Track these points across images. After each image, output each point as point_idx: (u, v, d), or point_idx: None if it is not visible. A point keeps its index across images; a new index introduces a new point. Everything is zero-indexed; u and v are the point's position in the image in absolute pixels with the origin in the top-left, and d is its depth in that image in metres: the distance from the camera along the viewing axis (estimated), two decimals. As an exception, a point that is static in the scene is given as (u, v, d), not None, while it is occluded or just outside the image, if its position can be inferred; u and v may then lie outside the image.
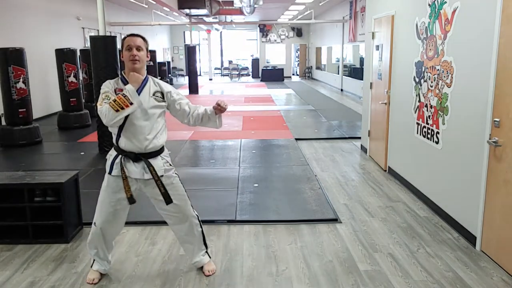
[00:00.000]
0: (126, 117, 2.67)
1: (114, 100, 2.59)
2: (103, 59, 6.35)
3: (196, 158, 6.58)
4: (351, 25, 15.28)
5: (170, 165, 2.90)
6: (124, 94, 2.60)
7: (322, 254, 3.40)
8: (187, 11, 15.82)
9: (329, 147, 7.08)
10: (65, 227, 3.62)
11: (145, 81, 2.77)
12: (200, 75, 23.29)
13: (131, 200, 2.77)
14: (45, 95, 10.49)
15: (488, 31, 3.24)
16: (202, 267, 3.13)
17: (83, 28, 13.11)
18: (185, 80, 21.95)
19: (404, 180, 5.02)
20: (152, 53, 16.23)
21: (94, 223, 2.93)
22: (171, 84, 19.46)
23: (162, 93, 2.82)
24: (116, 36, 6.73)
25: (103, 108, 2.61)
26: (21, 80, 7.23)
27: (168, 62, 20.89)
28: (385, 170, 5.63)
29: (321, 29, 21.59)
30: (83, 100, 9.53)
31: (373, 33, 6.17)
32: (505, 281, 2.97)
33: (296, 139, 7.66)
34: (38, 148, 7.25)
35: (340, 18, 16.96)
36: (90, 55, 6.60)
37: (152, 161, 2.78)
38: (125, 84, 2.70)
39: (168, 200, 2.82)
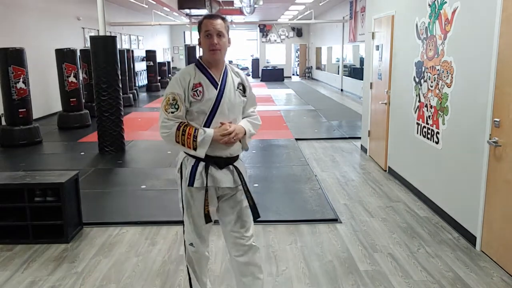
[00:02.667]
0: (213, 117, 2.25)
1: (183, 132, 2.18)
2: (103, 59, 6.35)
3: (196, 158, 6.56)
4: (351, 25, 15.28)
5: None
6: (195, 135, 2.18)
7: (322, 254, 3.40)
8: (187, 11, 15.84)
9: (329, 147, 7.08)
10: (65, 227, 3.62)
11: (225, 73, 2.33)
12: (200, 75, 23.24)
13: (208, 218, 2.30)
14: (45, 95, 10.48)
15: (488, 31, 3.24)
16: None
17: (83, 28, 13.10)
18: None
19: (404, 180, 5.02)
20: (152, 53, 16.22)
21: (191, 244, 2.45)
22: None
23: (244, 86, 2.39)
24: (116, 36, 6.74)
25: (168, 125, 2.20)
26: (21, 80, 7.23)
27: (168, 62, 20.87)
28: (385, 170, 5.63)
29: (321, 29, 21.59)
30: (83, 100, 9.53)
31: (373, 33, 6.17)
32: (505, 281, 2.97)
33: (296, 139, 7.66)
34: (38, 148, 7.24)
35: (340, 18, 16.95)
36: (90, 55, 6.61)
37: (236, 164, 2.35)
38: (202, 72, 2.27)
39: (256, 214, 2.35)
